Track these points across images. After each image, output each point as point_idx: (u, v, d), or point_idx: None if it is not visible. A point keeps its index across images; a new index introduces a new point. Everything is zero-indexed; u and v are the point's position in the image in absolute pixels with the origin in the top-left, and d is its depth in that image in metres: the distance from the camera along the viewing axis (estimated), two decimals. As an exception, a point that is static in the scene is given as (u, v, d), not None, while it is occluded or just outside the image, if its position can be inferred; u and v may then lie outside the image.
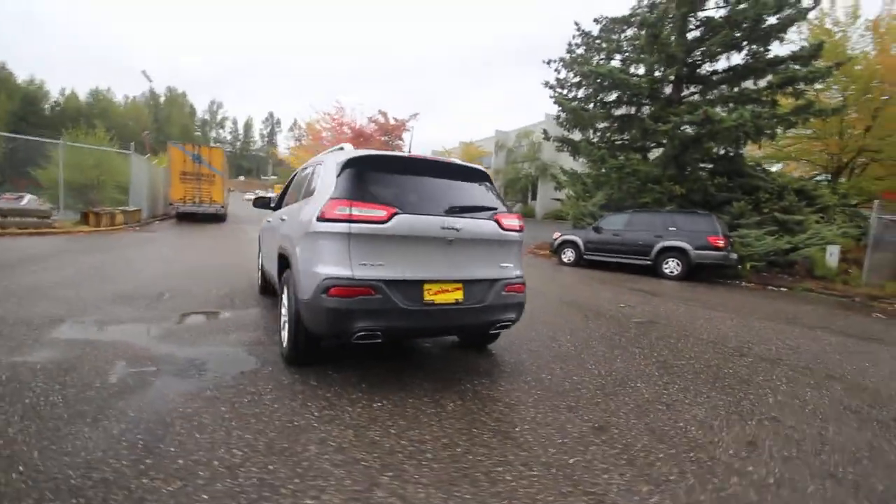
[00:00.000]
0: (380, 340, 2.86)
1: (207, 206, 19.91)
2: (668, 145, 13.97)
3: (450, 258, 3.02)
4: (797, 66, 13.01)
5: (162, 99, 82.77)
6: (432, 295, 2.93)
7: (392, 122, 27.77)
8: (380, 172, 3.06)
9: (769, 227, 12.82)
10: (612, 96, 16.37)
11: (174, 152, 19.16)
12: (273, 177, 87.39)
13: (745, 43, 14.06)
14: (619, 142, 16.74)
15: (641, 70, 15.94)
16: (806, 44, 14.04)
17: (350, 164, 3.03)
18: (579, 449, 2.40)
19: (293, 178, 4.74)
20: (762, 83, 14.17)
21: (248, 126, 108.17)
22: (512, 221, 3.30)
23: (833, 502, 2.06)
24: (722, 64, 14.97)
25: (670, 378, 3.63)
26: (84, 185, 15.05)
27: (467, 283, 3.06)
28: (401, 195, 2.96)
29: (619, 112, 16.53)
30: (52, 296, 4.92)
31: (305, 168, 4.20)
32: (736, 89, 14.44)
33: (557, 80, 17.30)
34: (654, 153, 16.40)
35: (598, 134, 16.67)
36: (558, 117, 16.43)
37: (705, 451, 2.48)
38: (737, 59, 14.58)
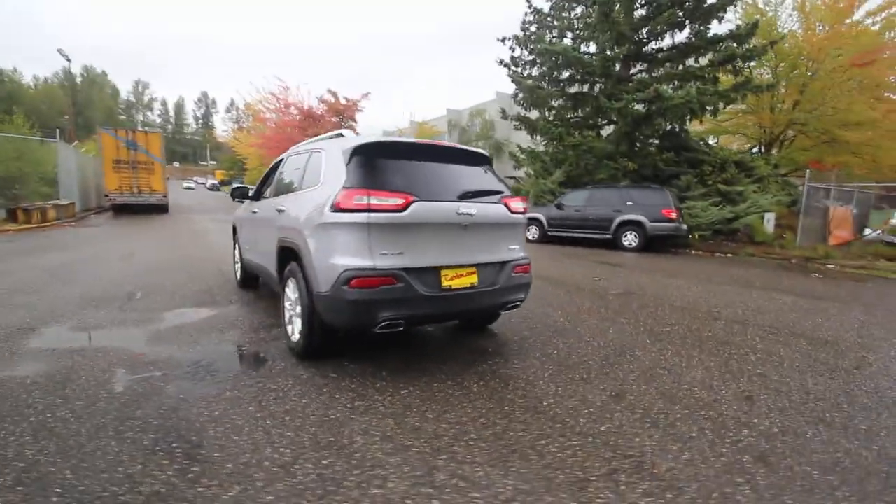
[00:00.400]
0: (401, 329, 2.88)
1: (147, 195, 18.61)
2: (621, 122, 14.50)
3: (464, 243, 3.05)
4: (735, 45, 13.80)
5: (79, 80, 75.02)
6: (449, 280, 2.96)
7: (343, 102, 26.83)
8: (388, 159, 3.01)
9: (713, 198, 13.76)
10: (565, 74, 16.70)
11: (106, 139, 17.63)
12: (212, 162, 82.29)
13: (687, 21, 14.74)
14: (573, 119, 17.11)
15: (592, 48, 16.35)
16: (741, 23, 14.89)
17: (358, 151, 2.95)
18: (606, 417, 2.57)
19: (277, 165, 4.53)
20: (704, 61, 14.98)
21: (179, 108, 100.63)
22: (518, 204, 3.37)
23: (830, 443, 2.35)
24: (666, 42, 15.66)
25: (661, 345, 3.91)
26: (5, 179, 13.54)
27: (481, 267, 3.12)
28: (412, 182, 2.93)
29: (572, 90, 16.90)
30: (12, 303, 4.49)
31: (295, 155, 4.03)
32: (680, 67, 15.16)
33: (512, 58, 17.42)
34: (606, 130, 16.99)
35: (553, 112, 16.96)
36: (516, 95, 16.60)
37: (713, 408, 2.72)
38: (680, 37, 15.29)
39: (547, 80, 16.82)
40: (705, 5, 14.13)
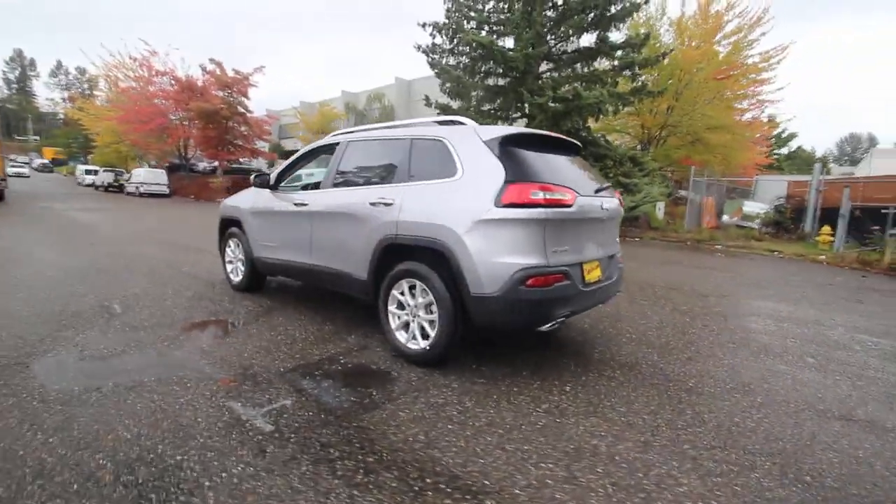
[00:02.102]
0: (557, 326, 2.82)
1: (-22, 179, 14.57)
2: (541, 117, 15.45)
3: (598, 237, 3.09)
4: (634, 53, 15.66)
5: None
6: (588, 275, 2.98)
7: (232, 74, 23.87)
8: (529, 150, 2.89)
9: (617, 189, 15.60)
10: (484, 66, 17.22)
11: None
12: (35, 137, 66.60)
13: (592, 28, 16.24)
14: (489, 111, 17.75)
15: (509, 43, 17.08)
16: (631, 33, 16.91)
17: (509, 141, 2.79)
18: (749, 390, 2.87)
19: (319, 151, 3.97)
20: (600, 65, 16.73)
21: (-23, 66, 78.72)
22: (619, 198, 3.51)
23: (904, 390, 2.99)
24: (572, 45, 17.08)
25: (701, 321, 4.43)
26: None
27: (602, 260, 3.19)
28: (556, 175, 2.86)
29: (489, 82, 17.51)
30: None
31: (373, 140, 3.54)
32: (586, 69, 16.71)
33: (433, 45, 17.34)
34: (518, 123, 17.99)
35: (474, 102, 17.38)
36: (443, 84, 16.63)
37: (815, 372, 3.23)
38: (583, 41, 16.81)
39: (466, 71, 17.14)
40: (609, 14, 15.71)
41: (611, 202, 3.17)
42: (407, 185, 3.08)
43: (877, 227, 10.67)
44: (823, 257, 9.92)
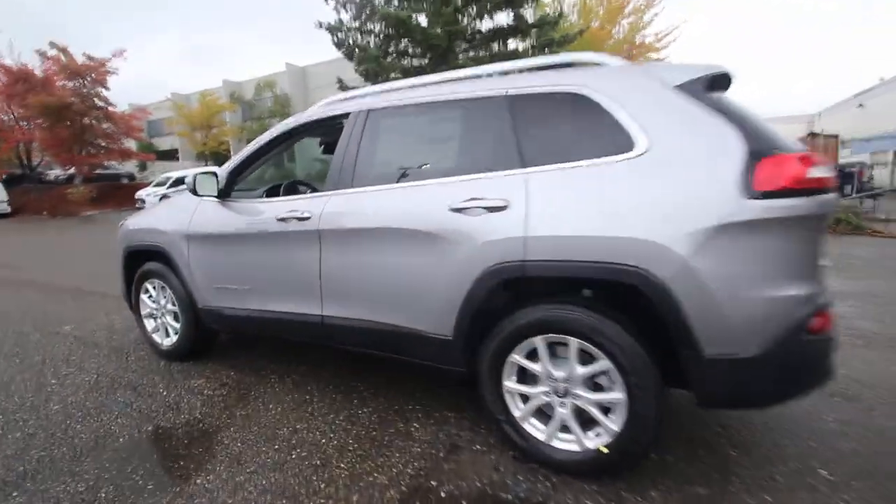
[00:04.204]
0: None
1: None
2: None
3: None
4: (552, 32, 15.34)
5: None
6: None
7: (84, 61, 19.28)
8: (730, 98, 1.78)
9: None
10: (398, 45, 15.80)
11: None
12: None
13: (505, 6, 15.59)
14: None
15: (421, 21, 15.79)
16: (540, 13, 16.62)
17: (719, 84, 1.68)
18: None
19: (332, 129, 2.46)
20: (519, 45, 16.28)
21: None
22: None
23: None
24: (486, 24, 16.34)
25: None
26: None
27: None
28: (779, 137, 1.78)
29: (404, 63, 16.15)
30: None
31: (427, 102, 2.07)
32: (504, 49, 16.10)
33: (339, 21, 15.42)
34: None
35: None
36: (359, 64, 14.87)
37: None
38: (494, 21, 16.10)
39: (379, 50, 15.55)
40: (523, -8, 15.09)
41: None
42: (528, 171, 1.77)
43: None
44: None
